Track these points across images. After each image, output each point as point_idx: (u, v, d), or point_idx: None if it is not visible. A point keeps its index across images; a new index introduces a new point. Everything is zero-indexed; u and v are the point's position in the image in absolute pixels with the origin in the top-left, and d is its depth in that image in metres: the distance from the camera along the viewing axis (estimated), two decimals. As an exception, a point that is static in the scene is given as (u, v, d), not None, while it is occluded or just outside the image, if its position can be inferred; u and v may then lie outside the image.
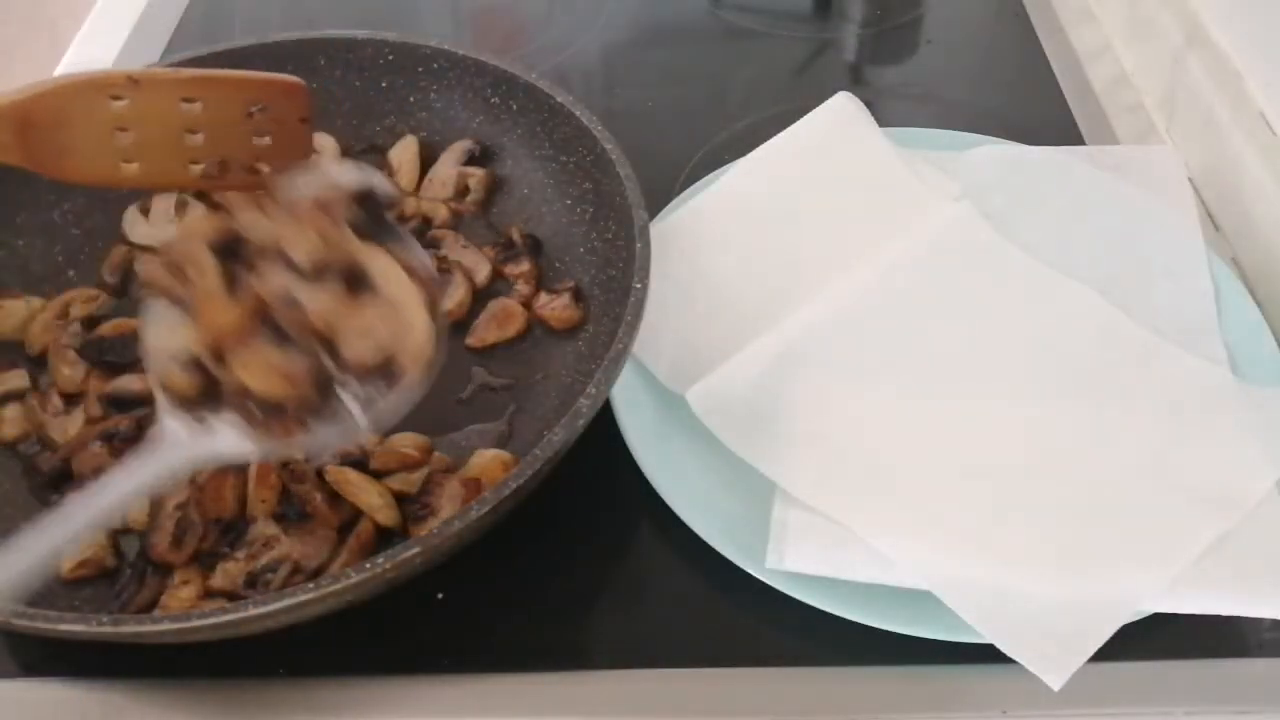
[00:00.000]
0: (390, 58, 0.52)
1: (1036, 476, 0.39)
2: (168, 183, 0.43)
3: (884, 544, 0.36)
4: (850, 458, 0.40)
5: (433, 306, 0.36)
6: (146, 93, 0.40)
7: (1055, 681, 0.33)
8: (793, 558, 0.37)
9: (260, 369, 0.34)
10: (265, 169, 0.43)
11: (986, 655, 0.35)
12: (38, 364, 0.46)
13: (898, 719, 0.36)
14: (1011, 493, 0.39)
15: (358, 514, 0.40)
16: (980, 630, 0.35)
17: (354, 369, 0.35)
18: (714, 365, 0.42)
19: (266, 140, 0.42)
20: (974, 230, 0.47)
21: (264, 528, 0.39)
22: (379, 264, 0.36)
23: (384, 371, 0.36)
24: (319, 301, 0.35)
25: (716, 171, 0.52)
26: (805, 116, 0.52)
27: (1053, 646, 0.34)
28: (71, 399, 0.44)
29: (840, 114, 0.52)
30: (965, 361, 0.43)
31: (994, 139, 0.53)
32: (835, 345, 0.43)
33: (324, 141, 0.53)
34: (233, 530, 0.40)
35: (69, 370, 0.44)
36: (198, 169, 0.42)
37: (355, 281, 0.36)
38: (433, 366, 0.36)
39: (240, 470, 0.41)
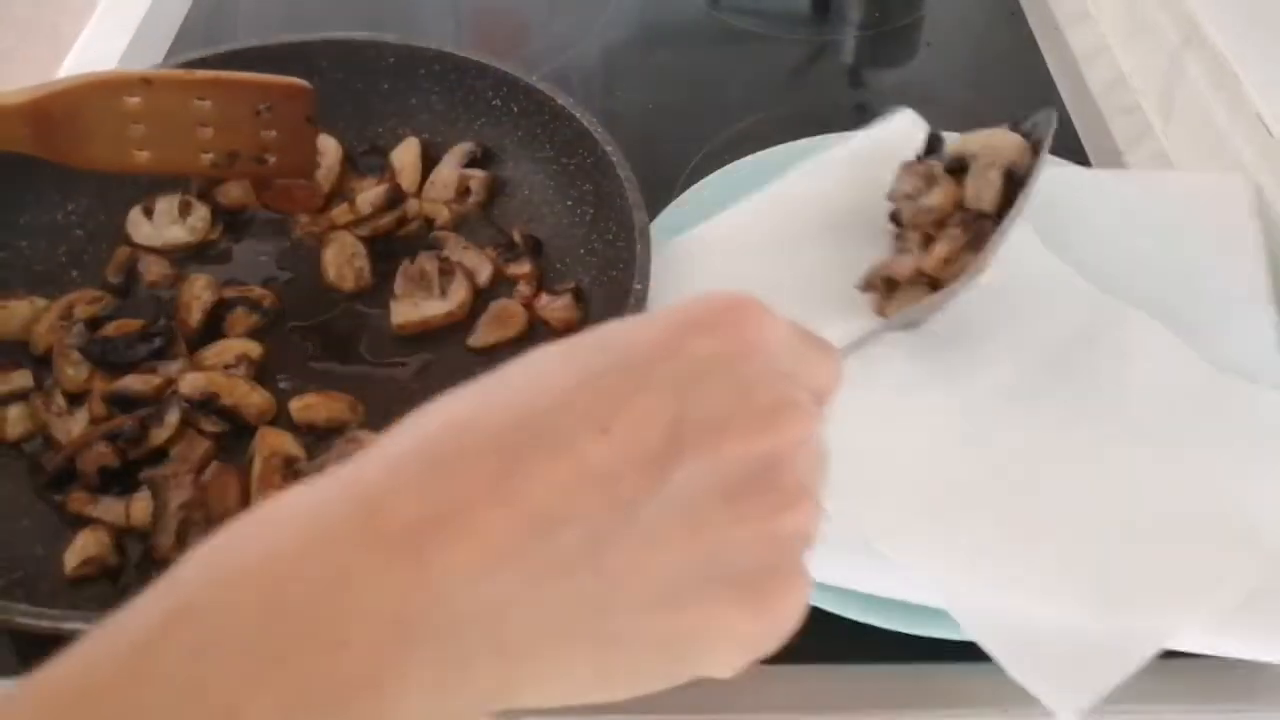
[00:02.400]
0: (391, 60, 0.53)
1: (1075, 506, 0.38)
2: (180, 169, 0.45)
3: (903, 561, 0.36)
4: (879, 472, 0.39)
5: None
6: (158, 92, 0.41)
7: (1069, 714, 0.33)
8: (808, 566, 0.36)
9: None
10: (272, 159, 0.45)
11: (986, 654, 0.35)
12: (42, 364, 0.46)
13: (896, 717, 0.36)
14: (1048, 520, 0.38)
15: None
16: (994, 655, 0.34)
17: None
18: None
19: (273, 134, 0.44)
20: (1031, 253, 0.46)
21: None
22: None
23: None
24: None
25: (730, 166, 0.51)
26: (865, 130, 0.51)
27: (1070, 678, 0.33)
28: (75, 399, 0.44)
29: (901, 132, 0.51)
30: (1013, 384, 0.42)
31: (1054, 160, 0.52)
32: (881, 361, 0.43)
33: (326, 143, 0.53)
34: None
35: (73, 370, 0.45)
36: (208, 157, 0.43)
37: None
38: None
39: (244, 470, 0.41)
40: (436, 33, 0.68)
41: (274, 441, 0.42)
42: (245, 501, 0.41)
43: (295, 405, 0.43)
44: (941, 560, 0.36)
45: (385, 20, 0.67)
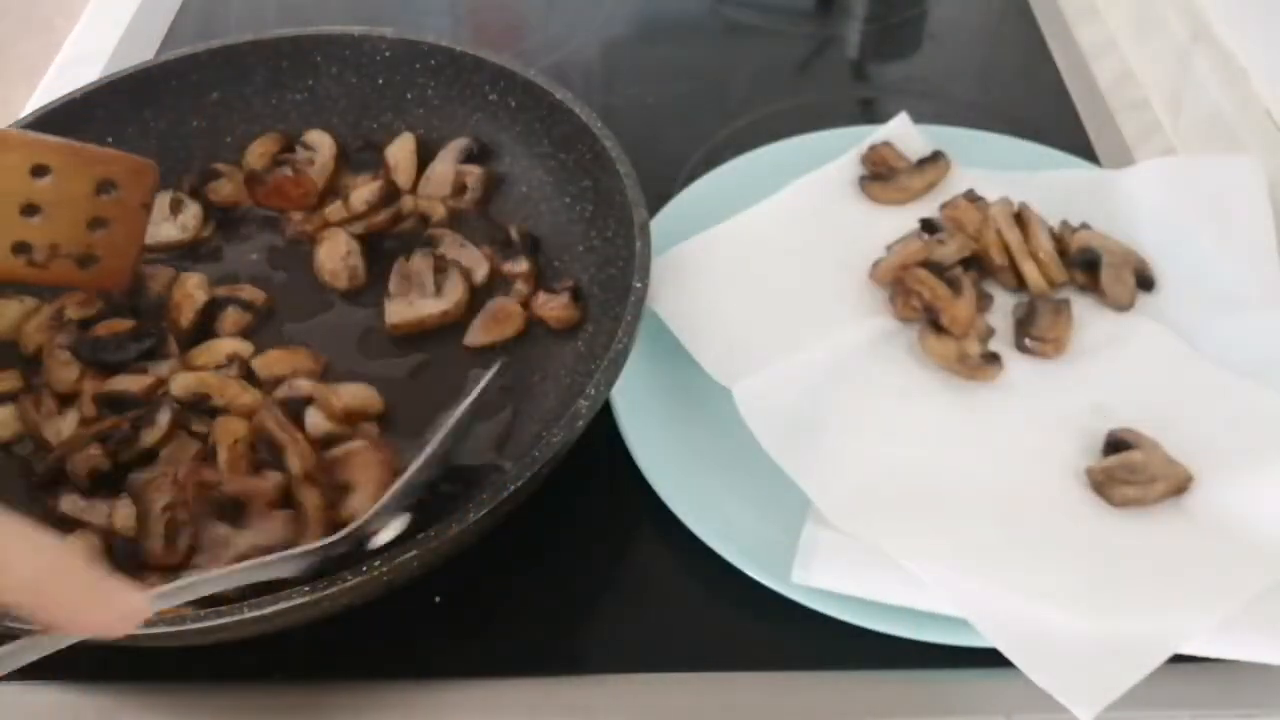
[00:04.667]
0: (387, 54, 0.52)
1: (1087, 512, 0.38)
2: None
3: (918, 569, 0.36)
4: (891, 480, 0.39)
5: None
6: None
7: (1086, 713, 0.33)
8: (820, 574, 0.36)
9: None
10: (95, 259, 0.42)
11: (990, 659, 0.35)
12: (31, 364, 0.45)
13: (902, 724, 0.36)
14: (1060, 527, 0.38)
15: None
16: (1013, 659, 0.34)
17: None
18: (763, 363, 0.42)
19: (102, 231, 0.42)
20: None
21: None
22: None
23: None
24: None
25: (732, 163, 0.51)
26: (873, 132, 0.52)
27: (1085, 680, 0.33)
28: (66, 400, 0.43)
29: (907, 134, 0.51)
30: (1027, 393, 0.42)
31: (1079, 160, 0.52)
32: (895, 365, 0.43)
33: (321, 139, 0.52)
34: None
35: (63, 371, 0.44)
36: (22, 259, 0.41)
37: None
38: None
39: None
40: (433, 27, 0.67)
41: (232, 429, 0.41)
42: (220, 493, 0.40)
43: (257, 363, 0.43)
44: (958, 568, 0.36)
45: (381, 14, 0.67)
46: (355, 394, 0.43)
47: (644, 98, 0.60)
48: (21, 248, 0.41)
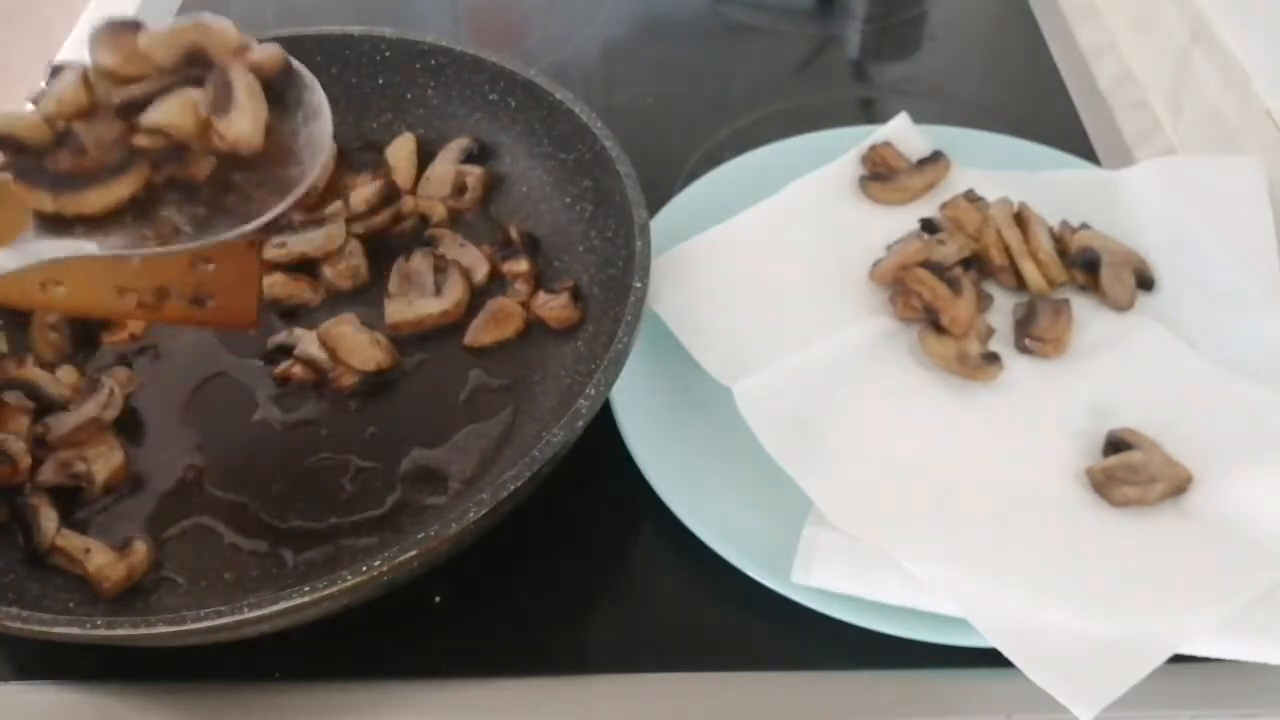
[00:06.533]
0: (387, 54, 0.52)
1: (1087, 512, 0.38)
2: (96, 309, 0.39)
3: (918, 569, 0.36)
4: (891, 480, 0.39)
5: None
6: None
7: (1086, 713, 0.33)
8: (820, 574, 0.36)
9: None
10: (210, 301, 0.40)
11: (990, 659, 0.35)
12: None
13: (902, 724, 0.36)
14: (1060, 528, 0.38)
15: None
16: (1013, 659, 0.34)
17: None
18: (764, 363, 0.42)
19: (210, 267, 0.39)
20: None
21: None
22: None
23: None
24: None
25: (732, 163, 0.51)
26: (873, 132, 0.52)
27: (1085, 680, 0.33)
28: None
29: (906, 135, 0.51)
30: (1027, 393, 0.42)
31: (1079, 160, 0.52)
32: (895, 365, 0.43)
33: (320, 139, 0.52)
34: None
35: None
36: (132, 300, 0.39)
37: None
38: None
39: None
40: (433, 27, 0.67)
41: None
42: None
43: (267, 281, 0.45)
44: (958, 568, 0.36)
45: (380, 14, 0.67)
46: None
47: (644, 98, 0.60)
48: (129, 291, 0.38)
